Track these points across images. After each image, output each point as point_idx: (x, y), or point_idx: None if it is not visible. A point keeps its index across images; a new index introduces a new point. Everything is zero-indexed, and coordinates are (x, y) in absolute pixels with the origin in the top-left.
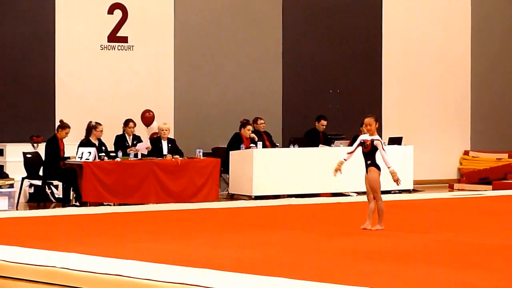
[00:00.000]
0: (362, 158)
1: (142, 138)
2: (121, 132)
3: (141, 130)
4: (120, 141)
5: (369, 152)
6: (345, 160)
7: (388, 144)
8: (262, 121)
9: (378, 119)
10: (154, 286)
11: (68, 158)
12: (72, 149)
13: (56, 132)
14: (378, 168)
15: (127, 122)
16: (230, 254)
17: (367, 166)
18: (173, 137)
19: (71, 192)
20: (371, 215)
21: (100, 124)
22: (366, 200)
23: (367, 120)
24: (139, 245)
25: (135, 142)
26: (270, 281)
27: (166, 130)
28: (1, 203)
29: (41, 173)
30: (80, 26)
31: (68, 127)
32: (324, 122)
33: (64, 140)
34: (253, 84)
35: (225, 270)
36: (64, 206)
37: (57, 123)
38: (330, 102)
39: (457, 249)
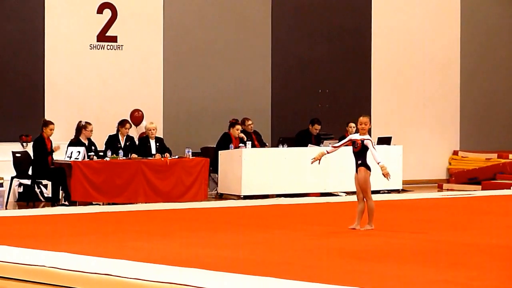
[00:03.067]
0: (352, 158)
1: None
2: (113, 132)
3: (131, 129)
4: (112, 141)
5: (359, 152)
6: (327, 152)
7: (377, 144)
8: (249, 122)
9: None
10: (143, 286)
11: (52, 152)
12: (61, 149)
13: (41, 131)
14: (368, 168)
15: (123, 123)
16: (218, 253)
17: (357, 166)
18: (161, 136)
19: (60, 192)
20: (361, 215)
21: (90, 124)
22: (356, 200)
23: (362, 119)
24: (128, 244)
25: (127, 143)
26: (259, 280)
27: (153, 129)
28: None
29: (30, 172)
30: (70, 25)
31: (52, 123)
32: (318, 127)
33: (52, 138)
34: (242, 83)
35: (213, 269)
36: (53, 205)
37: None
38: (319, 102)
39: (446, 248)
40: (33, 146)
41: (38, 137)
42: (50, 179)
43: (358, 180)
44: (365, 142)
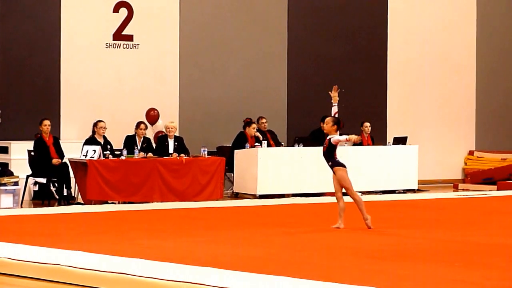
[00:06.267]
0: (364, 159)
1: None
2: (128, 131)
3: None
4: (129, 142)
5: (327, 152)
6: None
7: (393, 143)
8: (264, 121)
9: (339, 127)
10: (157, 284)
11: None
12: (77, 148)
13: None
14: (343, 165)
15: (138, 124)
16: (234, 252)
17: (331, 167)
18: (179, 135)
19: (74, 189)
20: (342, 213)
21: (100, 121)
22: (352, 200)
23: (326, 119)
24: (143, 243)
25: (144, 145)
26: (274, 279)
27: (172, 128)
28: (5, 200)
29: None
30: (86, 24)
31: (46, 119)
32: None
33: (68, 137)
34: (258, 82)
35: (228, 268)
36: (59, 204)
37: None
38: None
39: (461, 248)
40: (34, 147)
41: (37, 139)
42: (54, 176)
43: (338, 179)
44: (331, 140)
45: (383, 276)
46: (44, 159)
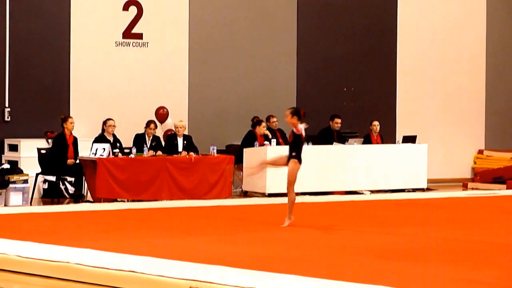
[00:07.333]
0: (373, 158)
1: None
2: (138, 129)
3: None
4: (139, 140)
5: (292, 144)
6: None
7: (402, 142)
8: (274, 119)
9: (300, 117)
10: (166, 282)
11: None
12: (86, 145)
13: (62, 128)
14: (299, 161)
15: (148, 124)
16: (242, 251)
17: (288, 158)
18: (188, 134)
19: (84, 188)
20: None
21: (110, 119)
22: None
23: (285, 112)
24: (152, 241)
25: (153, 144)
26: (283, 278)
27: (181, 127)
28: (15, 198)
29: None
30: (95, 22)
31: (70, 117)
32: (338, 121)
33: (77, 135)
34: (268, 81)
35: (237, 267)
36: (76, 201)
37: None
38: (344, 100)
39: (470, 247)
40: (53, 142)
41: (60, 133)
42: (65, 174)
43: (288, 170)
44: (294, 130)
45: (391, 275)
46: (60, 156)
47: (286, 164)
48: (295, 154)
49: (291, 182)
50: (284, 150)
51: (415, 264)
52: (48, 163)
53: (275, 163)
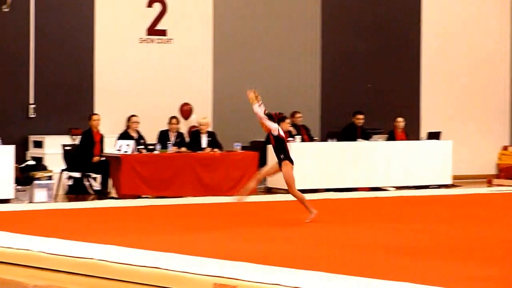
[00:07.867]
0: (398, 154)
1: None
2: (162, 126)
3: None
4: (163, 137)
5: (276, 147)
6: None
7: (427, 139)
8: (299, 115)
9: (271, 118)
10: (190, 279)
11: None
12: (110, 142)
13: (90, 125)
14: (291, 162)
15: (170, 119)
16: (265, 247)
17: (280, 160)
18: (212, 130)
19: (109, 184)
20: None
21: (134, 116)
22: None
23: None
24: (175, 237)
25: (177, 140)
26: (306, 274)
27: (204, 125)
28: (40, 195)
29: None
30: (119, 19)
31: (95, 114)
32: (360, 117)
33: (102, 132)
34: (292, 77)
35: (260, 263)
36: (100, 198)
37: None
38: (368, 96)
39: (495, 244)
40: (80, 138)
41: (87, 130)
42: (90, 171)
43: (283, 174)
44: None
45: (413, 271)
46: (86, 153)
47: (280, 169)
48: (284, 156)
49: (290, 184)
50: (309, 146)
51: (438, 261)
52: (73, 160)
53: (268, 173)
